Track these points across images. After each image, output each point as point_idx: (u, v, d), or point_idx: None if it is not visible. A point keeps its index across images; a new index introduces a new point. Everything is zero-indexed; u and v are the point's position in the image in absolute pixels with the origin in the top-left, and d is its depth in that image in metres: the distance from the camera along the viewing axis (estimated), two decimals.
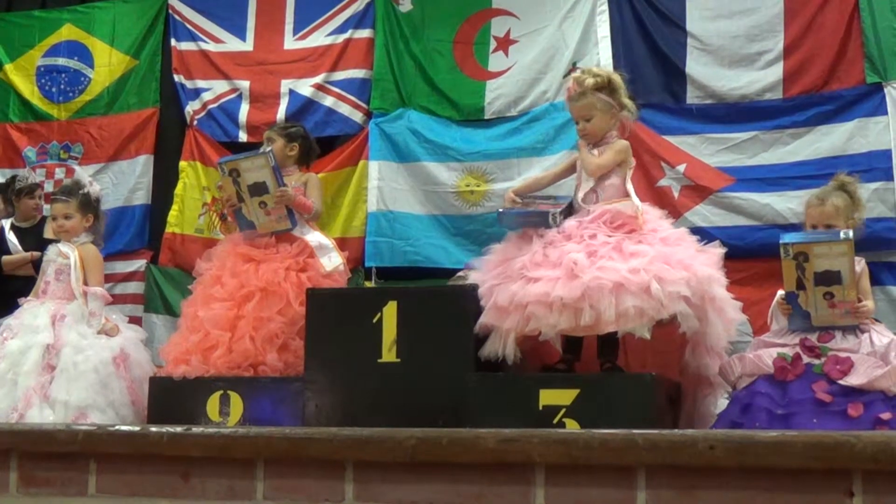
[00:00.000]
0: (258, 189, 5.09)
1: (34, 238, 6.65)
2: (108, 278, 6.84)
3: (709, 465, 1.93)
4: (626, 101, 4.64)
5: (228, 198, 5.24)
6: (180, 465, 2.29)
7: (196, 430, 2.32)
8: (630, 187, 4.53)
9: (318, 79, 7.15)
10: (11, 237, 6.78)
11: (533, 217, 4.46)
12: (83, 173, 6.37)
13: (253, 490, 2.24)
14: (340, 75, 7.15)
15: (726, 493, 1.93)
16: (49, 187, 7.33)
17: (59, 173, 7.53)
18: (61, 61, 7.68)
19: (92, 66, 7.63)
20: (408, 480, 2.13)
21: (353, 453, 2.17)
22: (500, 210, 4.59)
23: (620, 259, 4.12)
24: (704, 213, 6.22)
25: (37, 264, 6.22)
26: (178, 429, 2.32)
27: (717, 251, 4.41)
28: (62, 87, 7.65)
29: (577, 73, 4.79)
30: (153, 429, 2.34)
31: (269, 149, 5.22)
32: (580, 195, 4.52)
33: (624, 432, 1.99)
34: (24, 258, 6.54)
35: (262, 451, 2.24)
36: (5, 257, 6.61)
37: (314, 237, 5.21)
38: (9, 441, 2.41)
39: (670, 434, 2.00)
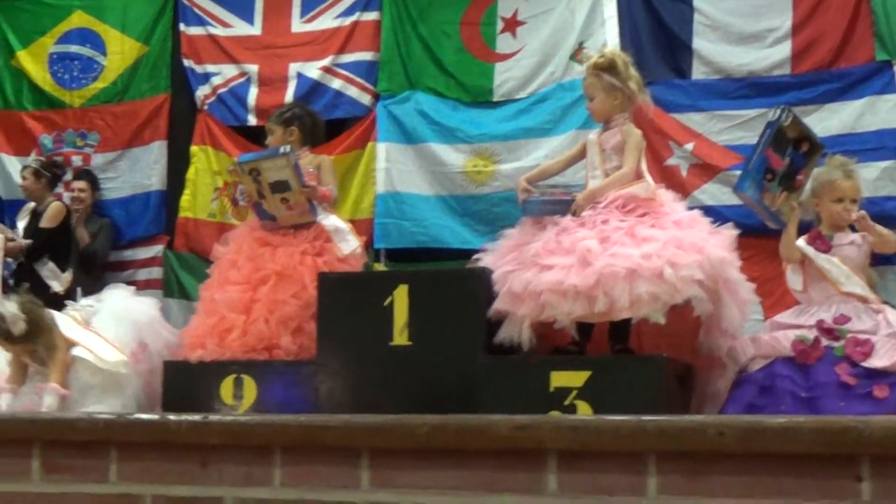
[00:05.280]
0: (280, 187, 5.08)
1: None
2: (129, 265, 7.02)
3: (718, 451, 1.95)
4: (632, 83, 4.61)
5: (248, 194, 5.23)
6: (198, 453, 2.32)
7: (213, 418, 2.35)
8: (644, 168, 4.54)
9: (326, 61, 7.15)
10: (22, 222, 6.85)
11: (557, 205, 4.46)
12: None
13: (270, 477, 2.27)
14: (348, 58, 7.15)
15: (735, 478, 1.96)
16: (67, 175, 7.38)
17: (77, 161, 7.55)
18: (74, 48, 7.66)
19: (104, 54, 7.62)
20: (421, 467, 2.16)
21: (367, 440, 2.20)
22: (525, 199, 4.59)
23: (633, 244, 4.13)
24: (713, 192, 6.23)
25: (28, 251, 6.39)
26: (197, 417, 2.35)
27: (730, 233, 4.41)
28: (75, 74, 7.64)
29: (583, 53, 4.77)
30: (172, 417, 2.37)
31: (288, 148, 5.19)
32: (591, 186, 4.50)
33: (634, 419, 2.02)
34: (19, 245, 6.61)
35: (278, 437, 2.27)
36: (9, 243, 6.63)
37: (330, 221, 5.23)
38: (31, 429, 2.45)
39: (680, 420, 2.03)
